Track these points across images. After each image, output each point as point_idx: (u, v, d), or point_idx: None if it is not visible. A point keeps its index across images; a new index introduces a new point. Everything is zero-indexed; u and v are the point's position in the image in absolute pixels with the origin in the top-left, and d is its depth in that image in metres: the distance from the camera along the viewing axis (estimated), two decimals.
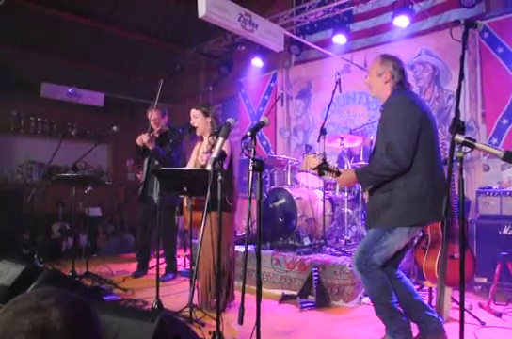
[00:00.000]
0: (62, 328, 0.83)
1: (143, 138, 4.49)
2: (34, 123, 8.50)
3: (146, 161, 4.87)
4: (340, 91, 4.90)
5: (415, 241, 3.89)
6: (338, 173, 2.77)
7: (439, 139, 2.83)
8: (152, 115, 4.79)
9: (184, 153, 4.88)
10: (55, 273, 2.51)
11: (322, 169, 2.77)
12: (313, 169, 2.83)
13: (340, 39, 6.24)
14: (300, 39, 6.64)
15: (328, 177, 2.88)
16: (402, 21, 5.64)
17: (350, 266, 3.87)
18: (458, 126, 1.87)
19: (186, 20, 7.17)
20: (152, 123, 4.75)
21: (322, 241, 4.58)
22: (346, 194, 4.83)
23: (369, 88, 2.90)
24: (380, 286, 2.62)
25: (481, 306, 3.60)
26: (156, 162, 4.62)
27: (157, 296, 3.37)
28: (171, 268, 4.94)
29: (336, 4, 6.16)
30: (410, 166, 2.53)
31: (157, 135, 4.79)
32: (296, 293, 3.89)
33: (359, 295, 3.87)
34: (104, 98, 8.04)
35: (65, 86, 7.55)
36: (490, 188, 4.28)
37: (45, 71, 7.56)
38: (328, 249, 4.48)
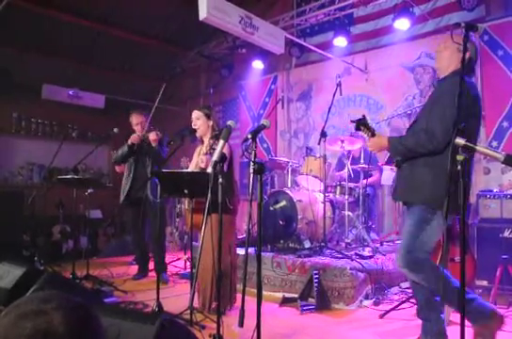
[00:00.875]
0: (64, 332, 0.83)
1: (153, 136, 4.52)
2: (35, 125, 8.52)
3: (131, 162, 4.88)
4: (340, 94, 4.90)
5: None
6: (373, 134, 2.70)
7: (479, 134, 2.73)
8: (139, 118, 4.89)
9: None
10: (55, 276, 2.51)
11: (361, 123, 2.70)
12: (352, 121, 2.75)
13: (340, 41, 6.25)
14: (301, 41, 6.66)
15: (363, 134, 2.82)
16: (402, 23, 5.66)
17: (351, 269, 3.88)
18: (459, 129, 1.87)
19: (187, 22, 7.19)
20: (138, 127, 4.87)
21: (322, 244, 4.57)
22: (347, 197, 4.83)
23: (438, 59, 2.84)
24: (438, 276, 2.53)
25: None
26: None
27: (158, 298, 3.37)
28: (164, 269, 4.92)
29: (337, 6, 6.18)
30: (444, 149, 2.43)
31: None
32: (296, 296, 3.88)
33: (359, 298, 3.87)
34: (105, 100, 8.06)
35: (66, 87, 7.57)
36: (491, 191, 4.28)
37: (46, 72, 7.58)
38: (328, 251, 4.47)
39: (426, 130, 2.49)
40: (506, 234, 3.92)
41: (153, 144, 4.61)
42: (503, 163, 1.91)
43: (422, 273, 2.57)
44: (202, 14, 4.32)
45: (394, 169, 5.35)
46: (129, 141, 4.75)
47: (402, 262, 2.62)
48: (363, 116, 2.76)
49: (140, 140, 4.75)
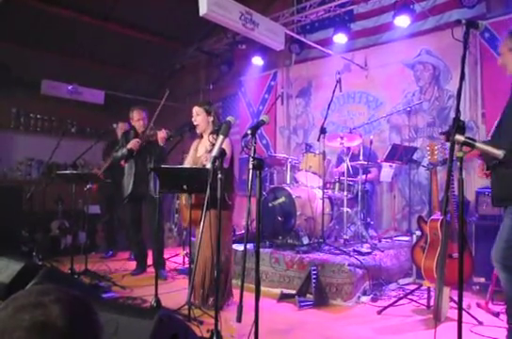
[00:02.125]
0: (62, 324, 0.83)
1: (162, 133, 4.49)
2: (34, 120, 8.51)
3: (131, 162, 4.87)
4: (340, 90, 4.90)
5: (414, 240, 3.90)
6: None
7: None
8: (141, 114, 4.91)
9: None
10: (53, 270, 2.51)
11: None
12: (441, 133, 2.70)
13: (340, 38, 6.24)
14: (301, 37, 6.64)
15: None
16: (403, 20, 5.64)
17: (349, 265, 3.88)
18: (459, 126, 1.87)
19: (187, 18, 7.16)
20: (140, 123, 4.89)
21: (321, 240, 4.58)
22: (346, 193, 4.83)
23: (505, 69, 2.75)
24: None
25: (479, 306, 3.61)
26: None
27: (156, 294, 3.37)
28: (163, 265, 4.92)
29: (337, 3, 6.16)
30: None
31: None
32: (294, 292, 3.89)
33: (357, 294, 3.88)
34: (105, 96, 8.04)
35: (65, 83, 7.55)
36: (490, 189, 4.28)
37: (45, 68, 7.56)
38: (326, 248, 4.48)
39: None
40: None
41: (161, 143, 4.53)
42: (502, 160, 1.91)
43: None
44: (203, 10, 4.31)
45: (393, 165, 5.38)
46: (128, 146, 4.73)
47: (499, 257, 2.55)
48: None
49: (140, 146, 4.74)
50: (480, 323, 3.17)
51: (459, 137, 1.84)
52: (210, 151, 3.51)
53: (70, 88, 7.57)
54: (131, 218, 4.99)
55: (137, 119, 4.91)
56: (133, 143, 4.74)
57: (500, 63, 2.76)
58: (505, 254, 2.51)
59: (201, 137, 3.78)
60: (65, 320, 0.83)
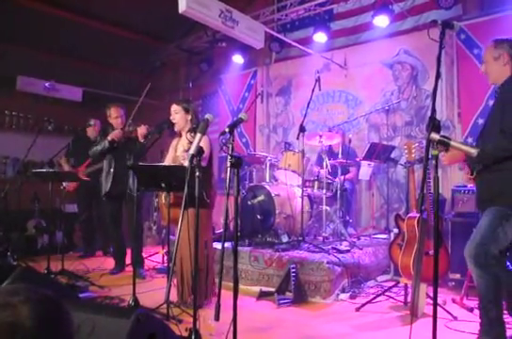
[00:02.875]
0: (32, 325, 0.81)
1: (143, 130, 4.38)
2: (9, 118, 8.32)
3: (110, 158, 4.81)
4: (319, 89, 4.92)
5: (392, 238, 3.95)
6: (447, 149, 2.67)
7: None
8: (119, 111, 4.82)
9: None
10: (28, 270, 2.47)
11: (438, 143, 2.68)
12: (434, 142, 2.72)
13: (320, 37, 6.28)
14: (281, 36, 6.65)
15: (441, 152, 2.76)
16: (382, 20, 5.71)
17: (327, 263, 3.91)
18: (434, 125, 1.90)
19: (167, 15, 7.09)
20: (117, 120, 4.80)
21: (300, 238, 4.60)
22: (324, 191, 4.86)
23: (487, 77, 2.78)
24: (492, 286, 2.52)
25: (454, 301, 3.67)
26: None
27: (134, 293, 3.34)
28: (141, 264, 4.88)
29: (317, 2, 6.19)
30: None
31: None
32: (273, 290, 3.90)
33: (335, 291, 3.91)
34: (83, 93, 7.92)
35: (42, 79, 7.42)
36: (465, 187, 4.36)
37: (22, 64, 7.41)
38: (305, 245, 4.50)
39: (504, 132, 2.43)
40: None
41: (142, 139, 4.44)
42: (476, 158, 1.95)
43: (484, 273, 2.54)
44: (182, 7, 4.28)
45: (372, 164, 5.44)
46: (109, 137, 4.59)
47: (473, 252, 2.57)
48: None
49: (122, 136, 4.63)
50: (455, 318, 3.23)
51: (435, 136, 1.87)
52: (188, 149, 3.50)
53: (47, 84, 7.44)
54: (110, 217, 4.93)
55: (115, 116, 4.79)
56: (114, 134, 4.58)
57: (483, 70, 2.79)
58: (479, 251, 2.54)
59: (180, 135, 3.76)
60: (34, 321, 0.81)
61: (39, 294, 0.88)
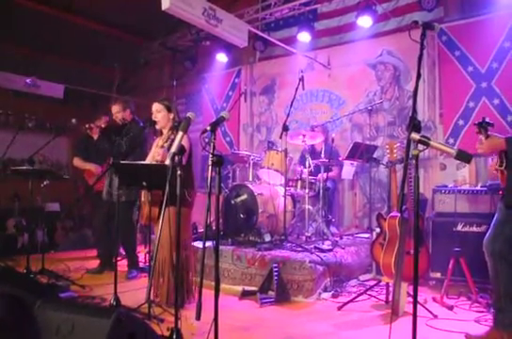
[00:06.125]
0: None
1: (98, 123, 4.43)
2: None
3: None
4: (303, 89, 4.93)
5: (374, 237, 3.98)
6: (487, 136, 2.71)
7: None
8: (115, 108, 4.79)
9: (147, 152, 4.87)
10: (5, 270, 2.43)
11: (482, 126, 2.72)
12: (475, 124, 2.77)
13: (304, 36, 6.29)
14: (265, 35, 6.65)
15: (480, 136, 2.78)
16: (365, 21, 5.75)
17: (310, 262, 3.92)
18: (415, 125, 1.92)
19: (151, 12, 7.04)
20: (117, 117, 4.77)
21: (283, 237, 4.60)
22: (307, 191, 4.87)
23: None
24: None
25: (435, 300, 3.72)
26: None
27: (115, 292, 3.31)
28: (134, 265, 4.85)
29: (301, 1, 6.22)
30: None
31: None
32: (256, 289, 3.90)
33: (318, 290, 3.92)
34: (64, 89, 7.82)
35: (23, 76, 7.30)
36: (446, 187, 4.42)
37: (2, 59, 7.28)
38: (288, 245, 4.50)
39: None
40: (459, 227, 4.06)
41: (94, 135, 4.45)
42: (455, 158, 1.97)
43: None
44: (165, 4, 4.27)
45: (355, 163, 5.47)
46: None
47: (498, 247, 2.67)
48: (483, 118, 2.78)
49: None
50: (435, 317, 3.26)
51: (415, 136, 1.88)
52: (163, 146, 3.49)
53: (28, 81, 7.32)
54: (98, 216, 4.91)
55: (114, 112, 4.80)
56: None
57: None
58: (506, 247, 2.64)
59: (161, 133, 3.73)
60: None
61: None
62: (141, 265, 5.14)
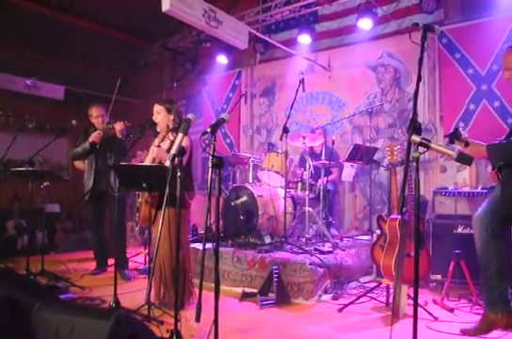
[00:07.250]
0: None
1: (120, 126, 4.41)
2: None
3: (91, 158, 4.77)
4: (303, 91, 4.92)
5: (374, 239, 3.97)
6: (467, 144, 2.72)
7: None
8: (100, 111, 4.80)
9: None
10: (5, 271, 2.43)
11: (454, 136, 2.74)
12: (445, 136, 2.82)
13: (305, 38, 6.30)
14: (265, 37, 6.66)
15: (457, 146, 2.80)
16: (365, 23, 5.76)
17: (310, 264, 3.91)
18: (415, 127, 1.92)
19: (152, 14, 7.06)
20: (99, 120, 4.77)
21: (283, 239, 4.59)
22: (308, 193, 4.87)
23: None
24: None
25: (435, 302, 3.71)
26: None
27: (115, 294, 3.31)
28: (125, 266, 4.84)
29: (302, 4, 6.22)
30: None
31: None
32: (256, 291, 3.89)
33: (318, 292, 3.91)
34: (65, 91, 7.83)
35: (23, 77, 7.30)
36: (446, 189, 4.41)
37: (2, 61, 7.29)
38: (288, 247, 4.49)
39: None
40: (460, 229, 4.06)
41: (119, 135, 4.45)
42: (455, 160, 1.97)
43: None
44: (165, 6, 4.27)
45: (355, 165, 5.47)
46: (90, 139, 4.63)
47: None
48: (456, 129, 2.80)
49: (101, 138, 4.63)
50: (436, 319, 3.25)
51: (415, 138, 1.88)
52: (159, 145, 3.49)
53: (28, 82, 7.34)
54: (92, 216, 4.89)
55: (96, 115, 4.80)
56: (94, 136, 4.63)
57: (507, 77, 2.88)
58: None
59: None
60: None
61: None
62: (141, 266, 5.14)
